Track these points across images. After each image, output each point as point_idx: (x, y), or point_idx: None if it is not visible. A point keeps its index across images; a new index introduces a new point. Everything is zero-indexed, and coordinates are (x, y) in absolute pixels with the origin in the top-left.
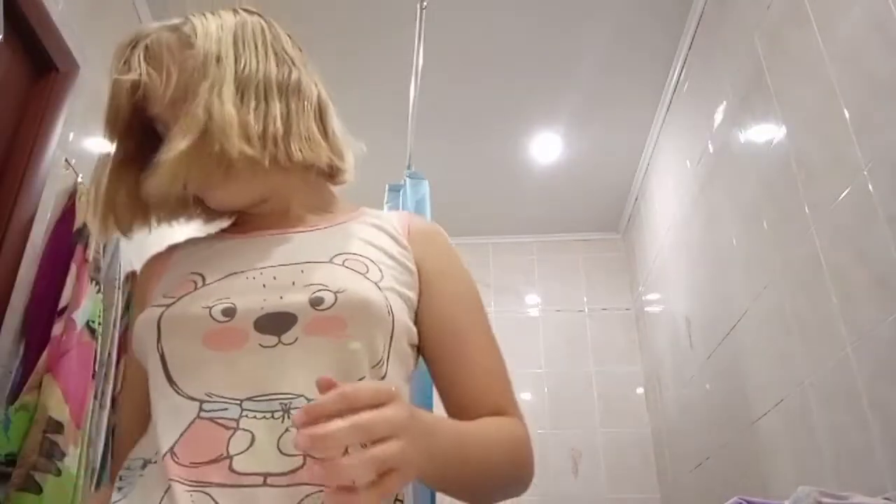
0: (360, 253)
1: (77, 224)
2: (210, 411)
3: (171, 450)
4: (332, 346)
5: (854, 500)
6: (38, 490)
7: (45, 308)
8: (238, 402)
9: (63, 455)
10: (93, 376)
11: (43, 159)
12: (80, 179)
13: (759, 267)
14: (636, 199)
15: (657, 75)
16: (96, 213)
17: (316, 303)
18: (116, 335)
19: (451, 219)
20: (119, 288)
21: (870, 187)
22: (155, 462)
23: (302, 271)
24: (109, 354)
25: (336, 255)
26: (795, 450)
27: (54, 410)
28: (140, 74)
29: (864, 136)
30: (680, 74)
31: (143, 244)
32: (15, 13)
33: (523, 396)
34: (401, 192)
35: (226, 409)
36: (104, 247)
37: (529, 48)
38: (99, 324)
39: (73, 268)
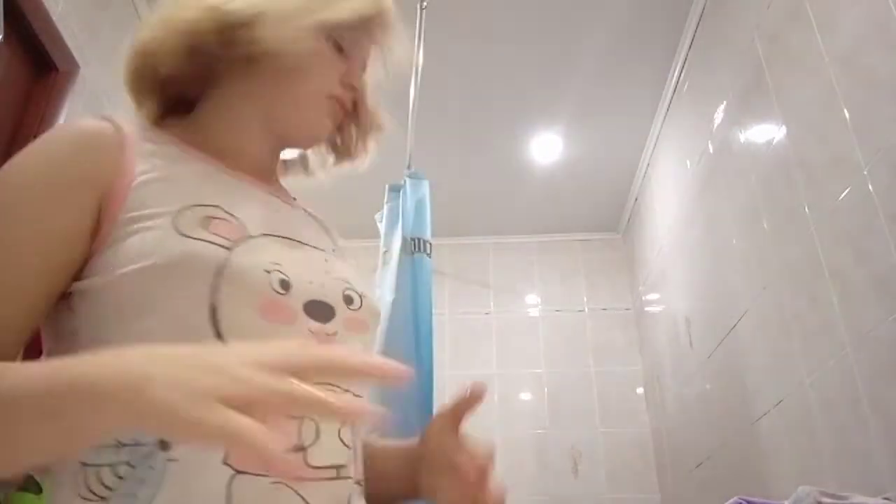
0: (336, 249)
1: None
2: None
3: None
4: (360, 346)
5: (854, 500)
6: (38, 490)
7: None
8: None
9: None
10: None
11: None
12: None
13: (759, 267)
14: (636, 199)
15: (657, 75)
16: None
17: (348, 301)
18: None
19: (451, 219)
20: None
21: (870, 187)
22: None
23: (326, 260)
24: None
25: (331, 247)
26: (795, 450)
27: None
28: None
29: (864, 136)
30: (680, 74)
31: None
32: (15, 13)
33: (523, 396)
34: (401, 192)
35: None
36: None
37: (529, 48)
38: None
39: None
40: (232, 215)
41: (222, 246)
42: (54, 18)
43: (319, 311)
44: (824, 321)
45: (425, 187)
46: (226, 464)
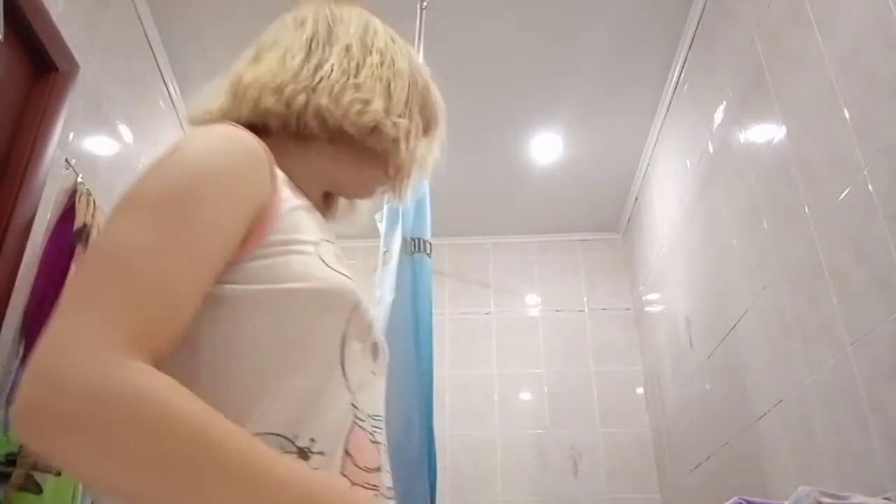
0: None
1: (77, 224)
2: (359, 419)
3: (347, 451)
4: (383, 387)
5: (854, 500)
6: (38, 490)
7: (45, 308)
8: (369, 416)
9: None
10: None
11: (43, 159)
12: (80, 179)
13: (759, 267)
14: (636, 199)
15: (657, 75)
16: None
17: (383, 346)
18: None
19: (451, 219)
20: None
21: (870, 187)
22: (316, 452)
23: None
24: None
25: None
26: (795, 450)
27: None
28: None
29: (864, 136)
30: (680, 74)
31: None
32: (15, 13)
33: (523, 396)
34: None
35: (364, 420)
36: None
37: (529, 48)
38: None
39: (74, 268)
40: (341, 256)
41: (350, 279)
42: (54, 18)
43: (375, 353)
44: (824, 321)
45: (425, 187)
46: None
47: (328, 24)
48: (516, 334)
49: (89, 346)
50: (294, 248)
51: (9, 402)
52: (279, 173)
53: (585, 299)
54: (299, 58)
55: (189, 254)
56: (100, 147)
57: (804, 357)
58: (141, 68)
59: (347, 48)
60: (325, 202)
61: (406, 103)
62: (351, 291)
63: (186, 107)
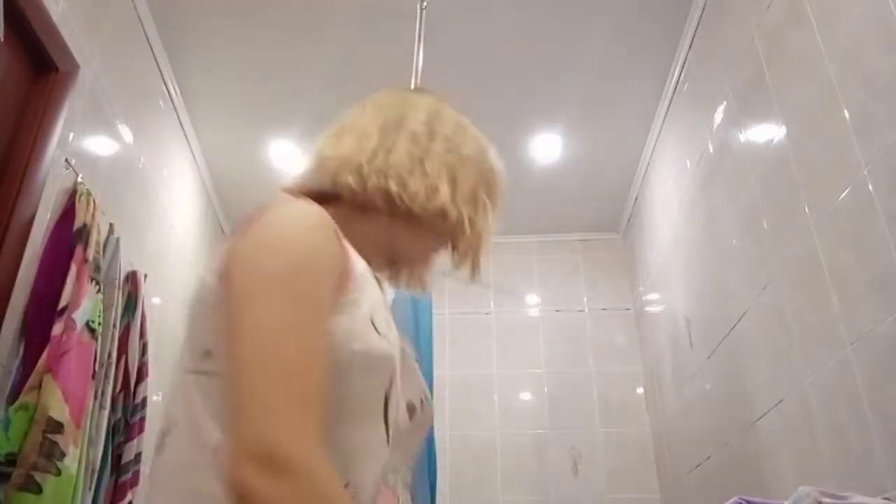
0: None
1: (77, 224)
2: (390, 473)
3: (374, 501)
4: (419, 445)
5: (854, 500)
6: (38, 490)
7: (45, 308)
8: (393, 468)
9: (63, 455)
10: (93, 376)
11: (43, 159)
12: (80, 179)
13: (759, 267)
14: (636, 199)
15: (657, 75)
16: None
17: (421, 404)
18: (116, 335)
19: None
20: (119, 288)
21: (870, 187)
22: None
23: (416, 362)
24: (109, 354)
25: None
26: (795, 450)
27: (54, 410)
28: None
29: (864, 136)
30: (680, 74)
31: (143, 245)
32: (15, 13)
33: (523, 396)
34: None
35: (390, 474)
36: (104, 247)
37: (529, 48)
38: (99, 324)
39: (73, 268)
40: (390, 319)
41: (393, 352)
42: (54, 18)
43: (411, 410)
44: (824, 321)
45: None
46: None
47: (401, 110)
48: (516, 334)
49: (297, 441)
50: (353, 311)
51: (9, 401)
52: (345, 241)
53: (585, 299)
54: (374, 140)
55: (321, 334)
56: (100, 147)
57: (804, 357)
58: (141, 68)
59: (415, 135)
60: (389, 265)
61: (472, 188)
62: (394, 357)
63: (186, 107)
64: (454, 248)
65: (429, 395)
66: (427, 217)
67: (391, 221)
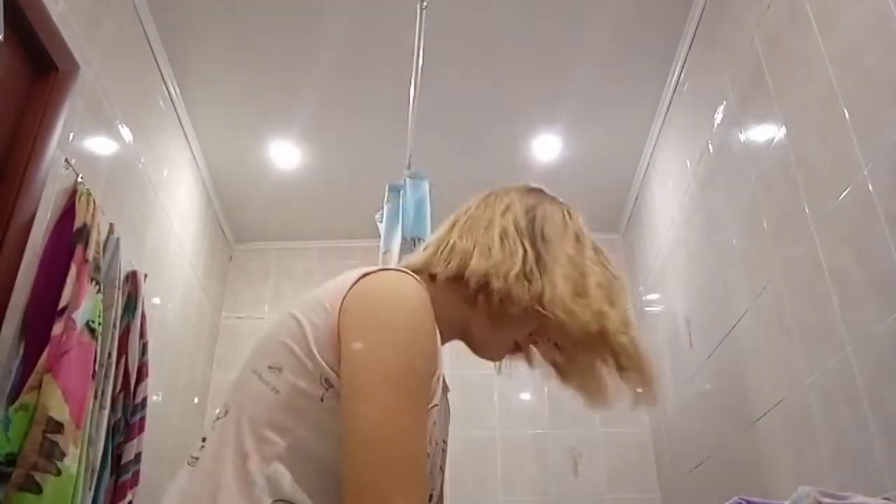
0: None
1: (77, 224)
2: None
3: None
4: None
5: (854, 500)
6: (38, 490)
7: (45, 308)
8: None
9: (63, 455)
10: (93, 376)
11: (43, 159)
12: (80, 179)
13: (759, 267)
14: (636, 199)
15: (657, 75)
16: None
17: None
18: (116, 335)
19: None
20: (119, 288)
21: (870, 187)
22: None
23: (443, 451)
24: (109, 354)
25: (447, 429)
26: (795, 450)
27: (54, 410)
28: None
29: (864, 136)
30: (680, 74)
31: (143, 245)
32: (15, 13)
33: (523, 396)
34: (401, 192)
35: None
36: (104, 247)
37: (529, 48)
38: (99, 324)
39: (73, 268)
40: (436, 423)
41: (429, 455)
42: (54, 18)
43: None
44: (824, 321)
45: (425, 187)
46: None
47: (540, 221)
48: None
49: None
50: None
51: (9, 401)
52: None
53: None
54: (520, 251)
55: (426, 427)
56: (100, 147)
57: (804, 357)
58: (141, 68)
59: (571, 260)
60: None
61: (625, 309)
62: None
63: (186, 107)
64: (620, 368)
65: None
66: (587, 337)
67: (487, 314)
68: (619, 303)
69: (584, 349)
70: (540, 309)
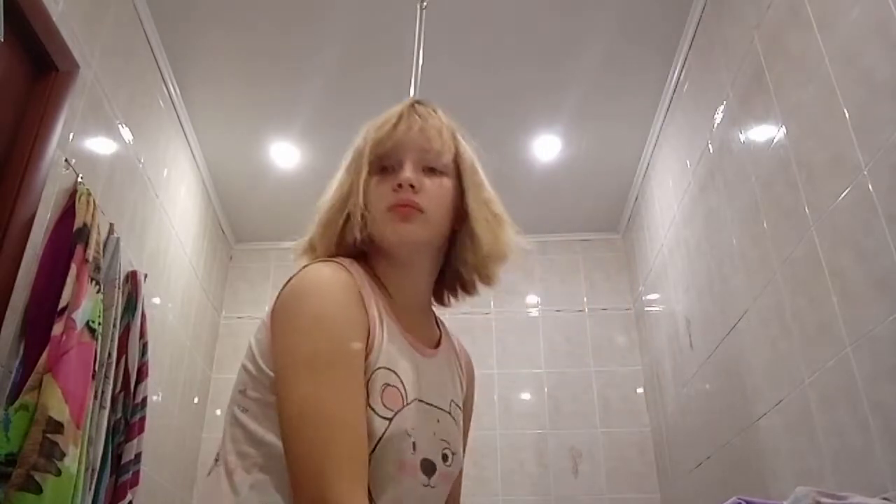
0: (457, 402)
1: (77, 224)
2: None
3: None
4: (445, 493)
5: (853, 500)
6: (38, 490)
7: (45, 308)
8: None
9: (63, 455)
10: (93, 376)
11: (43, 159)
12: (80, 179)
13: (759, 267)
14: (636, 199)
15: (657, 75)
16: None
17: (444, 459)
18: (116, 335)
19: None
20: (119, 288)
21: (870, 187)
22: None
23: (438, 421)
24: (109, 354)
25: (450, 402)
26: (795, 450)
27: (54, 410)
28: (435, 128)
29: (864, 136)
30: (680, 74)
31: (143, 245)
32: (15, 13)
33: (523, 396)
34: None
35: None
36: (104, 247)
37: (529, 48)
38: (99, 324)
39: (73, 268)
40: (401, 383)
41: (386, 419)
42: (54, 18)
43: (428, 467)
44: (824, 321)
45: None
46: None
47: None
48: (516, 334)
49: (351, 500)
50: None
51: (9, 401)
52: (366, 290)
53: (585, 299)
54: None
55: (361, 403)
56: (100, 147)
57: (804, 357)
58: (141, 68)
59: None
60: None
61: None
62: (378, 428)
63: (186, 107)
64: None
65: (456, 448)
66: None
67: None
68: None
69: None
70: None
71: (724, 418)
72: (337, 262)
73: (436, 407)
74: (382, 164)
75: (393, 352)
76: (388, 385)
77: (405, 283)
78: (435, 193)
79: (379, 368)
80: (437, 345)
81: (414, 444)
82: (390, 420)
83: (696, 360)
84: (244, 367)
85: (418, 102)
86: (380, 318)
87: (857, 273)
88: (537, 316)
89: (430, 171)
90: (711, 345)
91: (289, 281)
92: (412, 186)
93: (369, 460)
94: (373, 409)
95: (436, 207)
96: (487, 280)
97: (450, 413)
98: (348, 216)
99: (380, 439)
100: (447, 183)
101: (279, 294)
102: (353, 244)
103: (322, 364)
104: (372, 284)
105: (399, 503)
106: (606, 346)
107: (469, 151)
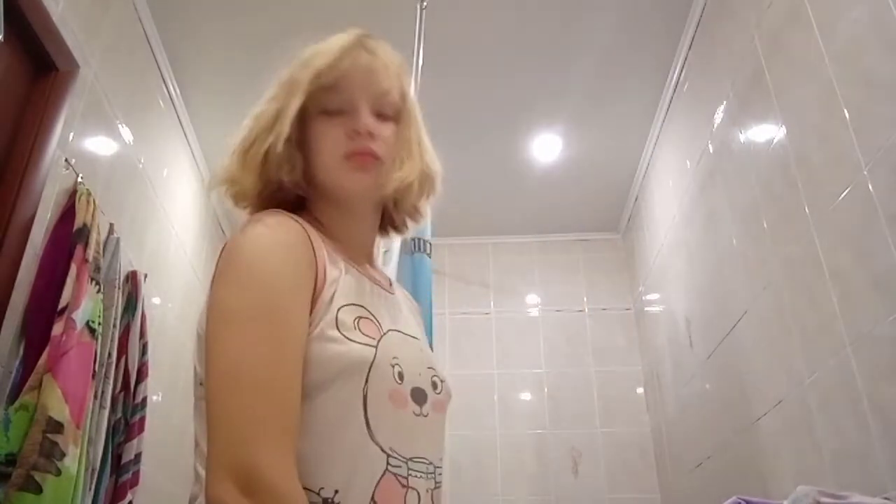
0: (422, 336)
1: (77, 224)
2: (394, 467)
3: (374, 499)
4: (441, 423)
5: (853, 500)
6: (38, 490)
7: (45, 308)
8: (405, 460)
9: (63, 455)
10: (93, 376)
11: (43, 159)
12: (80, 179)
13: (759, 267)
14: (636, 199)
15: (657, 75)
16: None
17: (434, 386)
18: (116, 335)
19: (451, 219)
20: (119, 288)
21: (870, 187)
22: (337, 503)
23: (421, 350)
24: (109, 354)
25: (422, 336)
26: (795, 450)
27: (54, 410)
28: (385, 66)
29: (864, 136)
30: (680, 74)
31: (143, 245)
32: (15, 13)
33: (523, 396)
34: None
35: (399, 466)
36: (104, 247)
37: (529, 48)
38: (99, 324)
39: (73, 268)
40: (372, 315)
41: (371, 346)
42: (54, 18)
43: (419, 395)
44: (824, 321)
45: None
46: None
47: None
48: (516, 334)
49: (274, 465)
50: (320, 332)
51: (9, 401)
52: (318, 241)
53: (585, 299)
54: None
55: (293, 357)
56: (100, 147)
57: (804, 357)
58: (141, 69)
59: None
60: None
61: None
62: (360, 357)
63: (186, 107)
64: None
65: (443, 376)
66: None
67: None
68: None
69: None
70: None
71: (724, 418)
72: (283, 212)
73: (413, 336)
74: (325, 100)
75: (355, 288)
76: (360, 318)
77: (353, 230)
78: (389, 141)
79: (346, 305)
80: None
81: (400, 373)
82: (375, 347)
83: (696, 360)
84: (199, 357)
85: (365, 35)
86: (331, 259)
87: (857, 273)
88: (537, 316)
89: (381, 115)
90: (711, 345)
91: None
92: (371, 134)
93: (364, 398)
94: (353, 341)
95: (390, 156)
96: (417, 217)
97: (424, 343)
98: (269, 149)
99: (370, 368)
100: (395, 129)
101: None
102: (278, 183)
103: (245, 317)
104: (317, 232)
105: (397, 438)
106: (606, 346)
107: (412, 93)
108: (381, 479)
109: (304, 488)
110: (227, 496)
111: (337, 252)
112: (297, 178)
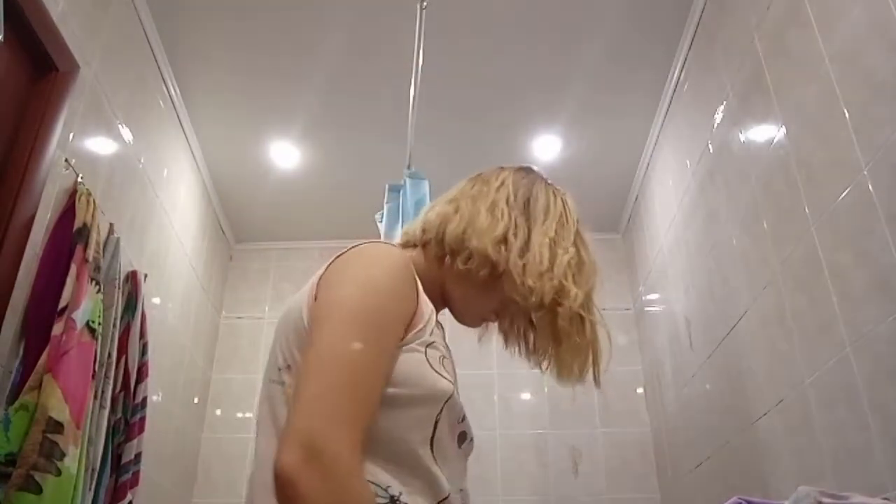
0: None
1: (77, 224)
2: (453, 493)
3: None
4: (465, 468)
5: (854, 500)
6: (38, 490)
7: (45, 308)
8: (458, 490)
9: (63, 455)
10: (93, 376)
11: (43, 159)
12: (79, 179)
13: (759, 267)
14: (636, 199)
15: (657, 75)
16: None
17: (470, 438)
18: (116, 335)
19: None
20: (119, 288)
21: (870, 187)
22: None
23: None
24: (109, 354)
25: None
26: (795, 450)
27: (54, 410)
28: None
29: (864, 136)
30: (680, 74)
31: (143, 245)
32: (15, 13)
33: (523, 396)
34: (401, 192)
35: (455, 494)
36: (104, 246)
37: (529, 48)
38: (99, 324)
39: (73, 268)
40: (448, 358)
41: (451, 381)
42: (54, 18)
43: (462, 439)
44: (824, 321)
45: (425, 187)
46: None
47: (531, 199)
48: None
49: (343, 442)
50: (412, 352)
51: (9, 401)
52: (419, 284)
53: None
54: (506, 220)
55: (382, 362)
56: (100, 147)
57: (804, 357)
58: (141, 68)
59: (550, 239)
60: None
61: (589, 292)
62: (444, 388)
63: (186, 107)
64: (561, 341)
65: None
66: (547, 309)
67: (478, 286)
68: (584, 283)
69: (542, 321)
70: (508, 270)
71: (724, 418)
72: (400, 249)
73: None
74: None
75: (438, 332)
76: (444, 357)
77: (455, 309)
78: None
79: (434, 342)
80: None
81: (463, 416)
82: (454, 383)
83: (696, 360)
84: (288, 341)
85: None
86: (423, 299)
87: (857, 273)
88: None
89: None
90: (711, 345)
91: (343, 252)
92: None
93: (435, 422)
94: (438, 373)
95: None
96: None
97: None
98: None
99: (447, 401)
100: None
101: (332, 261)
102: (451, 260)
103: (363, 320)
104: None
105: (448, 468)
106: (607, 345)
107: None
108: (444, 500)
109: (372, 483)
110: (291, 459)
111: (425, 292)
112: (489, 269)
